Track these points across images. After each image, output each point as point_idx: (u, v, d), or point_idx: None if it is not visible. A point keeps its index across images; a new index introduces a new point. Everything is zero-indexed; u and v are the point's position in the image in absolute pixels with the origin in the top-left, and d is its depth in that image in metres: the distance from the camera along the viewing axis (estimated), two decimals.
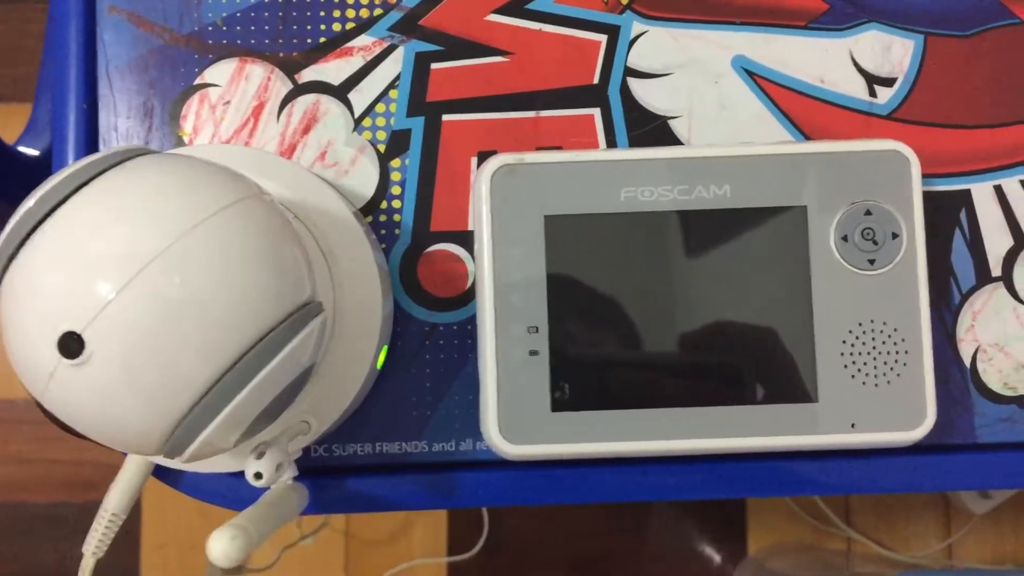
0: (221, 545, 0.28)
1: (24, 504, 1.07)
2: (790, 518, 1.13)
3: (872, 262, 0.37)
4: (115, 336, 0.27)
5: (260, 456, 0.32)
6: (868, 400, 0.37)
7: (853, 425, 0.37)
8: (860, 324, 0.37)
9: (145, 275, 0.27)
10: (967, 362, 0.41)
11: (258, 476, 0.31)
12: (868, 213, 0.38)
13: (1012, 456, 0.41)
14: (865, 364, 0.37)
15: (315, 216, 0.37)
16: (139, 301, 0.27)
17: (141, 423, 0.28)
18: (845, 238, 0.37)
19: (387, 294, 0.39)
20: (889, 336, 0.37)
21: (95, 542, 0.37)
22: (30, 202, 0.28)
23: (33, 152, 0.68)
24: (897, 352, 0.37)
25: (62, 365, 0.27)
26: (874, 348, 0.37)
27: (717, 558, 1.14)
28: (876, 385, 0.37)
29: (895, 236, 0.38)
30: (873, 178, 0.38)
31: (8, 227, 0.29)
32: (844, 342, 0.37)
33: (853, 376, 0.37)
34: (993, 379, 0.41)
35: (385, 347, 0.39)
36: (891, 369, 0.37)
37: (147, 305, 0.27)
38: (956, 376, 0.41)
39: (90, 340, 0.27)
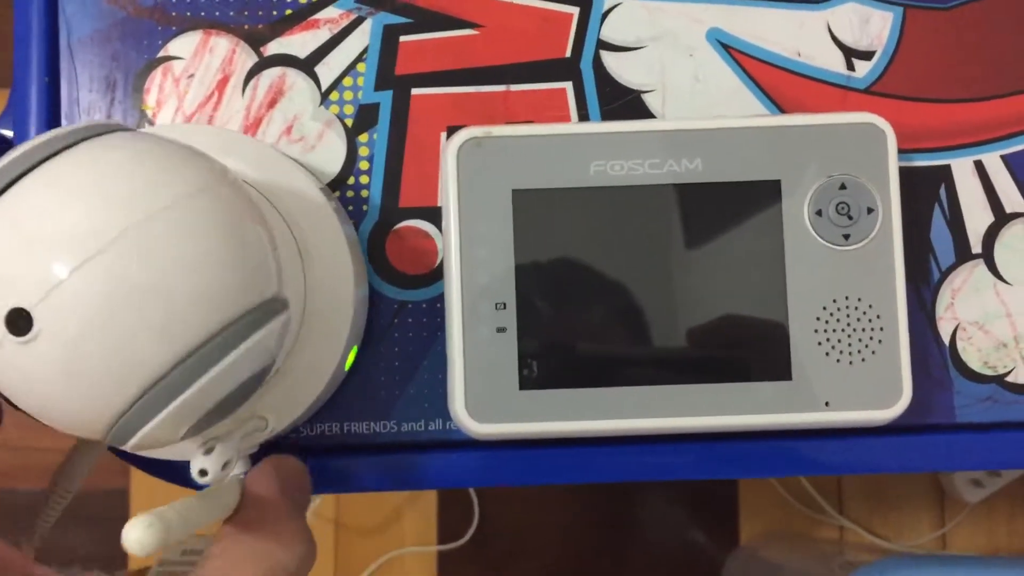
0: (136, 533, 0.27)
1: (12, 491, 1.06)
2: (782, 507, 1.12)
3: (847, 237, 0.37)
4: (65, 317, 0.26)
5: (208, 452, 0.31)
6: (842, 378, 0.37)
7: (827, 403, 0.37)
8: (835, 301, 0.37)
9: (101, 258, 0.26)
10: (946, 341, 0.40)
11: (203, 473, 0.30)
12: (843, 187, 0.37)
13: (992, 436, 0.40)
14: (840, 342, 0.37)
15: (287, 200, 0.36)
16: (93, 284, 0.26)
17: (85, 409, 0.27)
18: (819, 213, 0.37)
19: (360, 283, 0.38)
20: (864, 313, 0.37)
21: (44, 519, 0.37)
22: None
23: (9, 133, 0.68)
24: (872, 329, 0.37)
25: (8, 341, 0.26)
26: (848, 325, 0.37)
27: (709, 547, 1.14)
28: (851, 363, 0.37)
29: (870, 211, 0.37)
30: (848, 152, 0.37)
31: None
32: (818, 319, 0.37)
33: (827, 353, 0.37)
34: (973, 358, 0.40)
35: (355, 348, 0.38)
36: (866, 347, 0.37)
37: (101, 289, 0.26)
38: (935, 355, 0.40)
39: (39, 319, 0.26)
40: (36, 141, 0.28)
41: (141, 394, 0.27)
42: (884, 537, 1.12)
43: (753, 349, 0.36)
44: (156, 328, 0.27)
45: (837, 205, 0.36)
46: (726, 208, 0.37)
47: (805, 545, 1.11)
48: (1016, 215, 0.40)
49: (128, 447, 0.28)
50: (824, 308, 0.36)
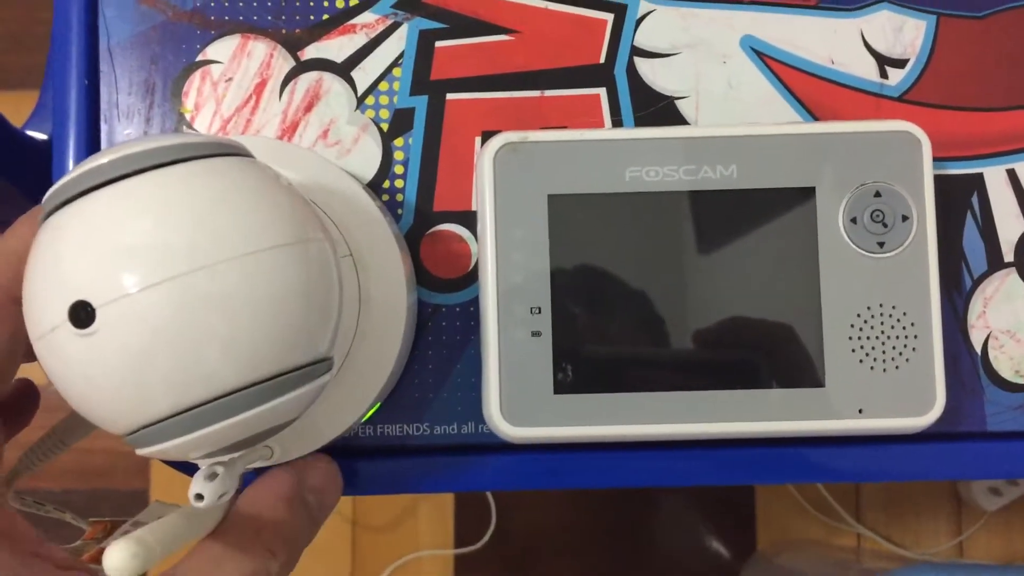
0: (120, 560, 0.27)
1: (34, 491, 1.07)
2: (799, 514, 1.12)
3: (882, 245, 0.37)
4: (125, 326, 0.26)
5: (210, 478, 0.30)
6: (876, 385, 0.37)
7: (861, 411, 0.37)
8: (869, 308, 0.37)
9: (179, 282, 0.26)
10: (978, 349, 0.40)
11: (199, 497, 0.30)
12: (878, 195, 0.37)
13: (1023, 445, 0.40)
14: (873, 349, 0.37)
15: (338, 208, 0.37)
16: (161, 305, 0.26)
17: (116, 412, 0.28)
18: (854, 220, 0.37)
19: (408, 338, 0.38)
20: (898, 320, 0.37)
21: (34, 456, 0.36)
22: (103, 159, 0.28)
23: (42, 136, 0.68)
24: (906, 337, 0.37)
25: (65, 327, 0.27)
26: (883, 332, 0.37)
27: (726, 553, 1.14)
28: (884, 370, 0.37)
29: (905, 219, 0.37)
30: (883, 159, 0.37)
31: (79, 169, 0.28)
32: (852, 326, 0.37)
33: (861, 361, 0.37)
34: (1004, 366, 0.40)
35: (378, 404, 0.39)
36: (900, 354, 0.37)
37: (168, 312, 0.26)
38: (967, 363, 0.40)
39: (101, 318, 0.26)
40: (165, 141, 0.28)
41: (171, 415, 0.27)
42: (901, 545, 1.12)
43: (787, 355, 0.37)
44: (206, 365, 0.27)
45: (872, 213, 0.36)
46: (761, 215, 0.37)
47: (822, 552, 1.11)
48: None
49: (139, 452, 0.29)
50: (858, 315, 0.37)
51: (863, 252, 0.37)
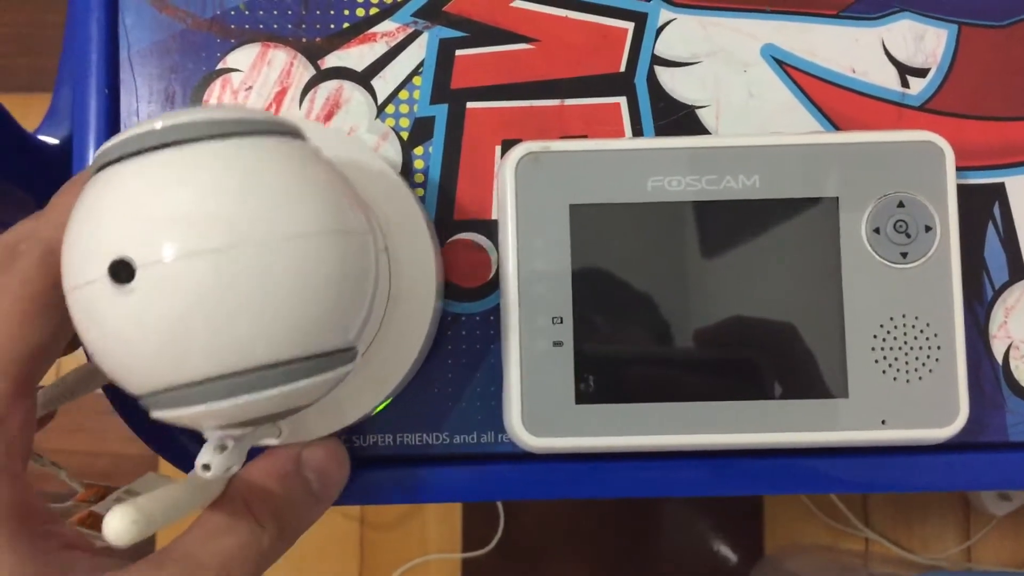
0: (121, 525, 0.27)
1: (40, 494, 1.07)
2: (807, 518, 1.12)
3: (904, 255, 0.37)
4: (163, 290, 0.26)
5: (220, 450, 0.30)
6: (899, 396, 0.37)
7: (883, 422, 0.37)
8: (891, 319, 0.37)
9: (221, 255, 0.26)
10: (999, 359, 0.40)
11: (206, 468, 0.30)
12: (901, 205, 0.37)
13: None
14: (896, 360, 0.37)
15: (371, 190, 0.37)
16: (202, 276, 0.26)
17: (140, 373, 0.28)
18: (877, 230, 0.37)
19: (430, 338, 0.38)
20: (921, 331, 0.37)
21: (41, 400, 0.36)
22: (157, 123, 0.28)
23: (53, 140, 0.68)
24: (929, 348, 0.37)
25: (103, 281, 0.27)
26: (906, 343, 0.37)
27: (733, 558, 1.14)
28: (907, 381, 0.37)
29: (928, 229, 0.37)
30: (906, 169, 0.37)
31: (134, 130, 0.28)
32: (875, 336, 0.37)
33: (884, 372, 0.37)
34: None
35: (389, 400, 0.39)
36: (923, 365, 0.37)
37: (206, 283, 0.26)
38: (988, 373, 0.40)
39: (140, 279, 0.26)
40: (222, 114, 0.28)
41: (195, 383, 0.27)
42: (909, 549, 1.12)
43: (810, 366, 0.36)
44: (236, 339, 0.27)
45: (895, 223, 0.36)
46: (783, 225, 0.37)
47: (830, 557, 1.10)
48: None
49: (154, 415, 0.29)
50: (881, 326, 0.36)
51: (886, 262, 0.37)
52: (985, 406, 0.40)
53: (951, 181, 0.37)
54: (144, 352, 0.27)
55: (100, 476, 1.08)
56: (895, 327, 0.36)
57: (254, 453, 0.39)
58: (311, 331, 0.28)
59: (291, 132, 0.30)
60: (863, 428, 0.37)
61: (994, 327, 0.40)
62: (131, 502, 0.28)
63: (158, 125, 0.28)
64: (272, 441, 0.36)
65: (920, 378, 0.36)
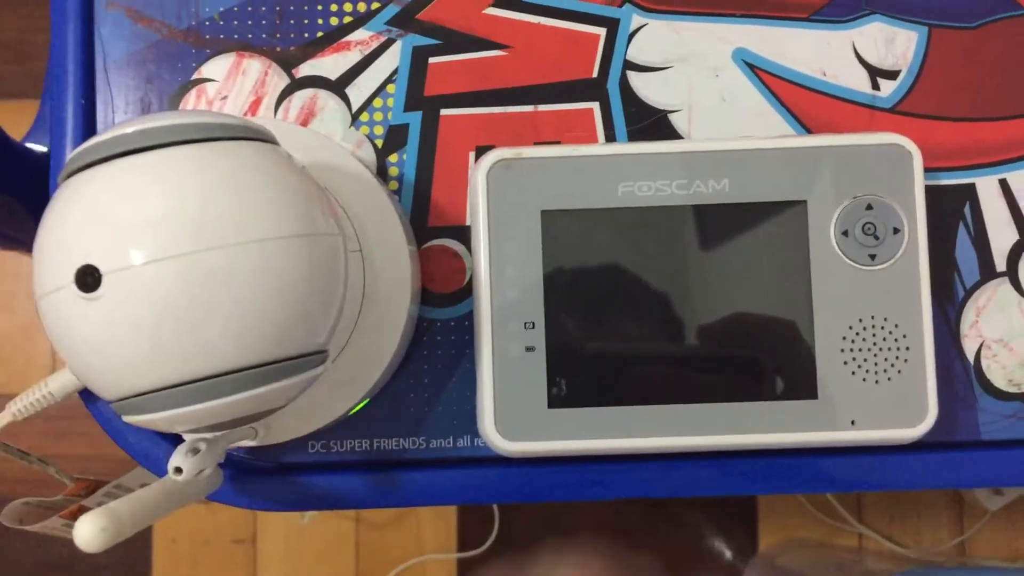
0: (90, 532, 0.27)
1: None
2: (801, 515, 1.12)
3: (873, 257, 0.37)
4: (129, 296, 0.27)
5: (192, 453, 0.31)
6: (868, 397, 0.37)
7: (853, 422, 0.37)
8: (860, 320, 0.37)
9: (185, 260, 0.27)
10: (971, 358, 0.40)
11: (178, 471, 0.30)
12: (869, 208, 0.37)
13: (1018, 453, 0.40)
14: (866, 360, 0.37)
15: (345, 190, 0.37)
16: (168, 281, 0.27)
17: (106, 375, 0.28)
18: (846, 233, 0.37)
19: (405, 338, 0.38)
20: (890, 332, 0.37)
21: (22, 404, 0.36)
22: (128, 128, 0.28)
23: (41, 148, 0.68)
24: (898, 348, 0.37)
25: (70, 289, 0.27)
26: (875, 345, 0.37)
27: (728, 554, 1.14)
28: (877, 382, 0.37)
29: (896, 231, 0.37)
30: (875, 172, 0.37)
31: (104, 135, 0.28)
32: (844, 338, 0.37)
33: (853, 373, 0.37)
34: (997, 376, 0.40)
35: (366, 400, 0.39)
36: (892, 366, 0.37)
37: (171, 289, 0.27)
38: (960, 373, 0.40)
39: (106, 286, 0.27)
40: (192, 119, 0.29)
41: (165, 388, 0.28)
42: (903, 544, 1.12)
43: (779, 368, 0.37)
44: (203, 344, 0.27)
45: (863, 225, 0.37)
46: (753, 228, 0.37)
47: (824, 553, 1.11)
48: None
49: (126, 420, 0.29)
50: (850, 328, 0.37)
51: (855, 265, 0.37)
52: (958, 406, 0.40)
53: (919, 183, 0.37)
54: (113, 358, 0.28)
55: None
56: (864, 328, 0.37)
57: (232, 454, 0.39)
58: (280, 335, 0.29)
59: (262, 137, 0.30)
60: (833, 428, 0.37)
61: (965, 327, 0.40)
62: (102, 509, 0.28)
63: (129, 130, 0.28)
64: (248, 442, 0.36)
65: (889, 379, 0.37)
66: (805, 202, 0.37)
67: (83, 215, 0.28)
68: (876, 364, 0.37)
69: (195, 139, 0.28)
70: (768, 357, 0.37)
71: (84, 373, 0.29)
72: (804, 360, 0.37)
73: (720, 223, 0.37)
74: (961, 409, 0.40)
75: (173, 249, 0.27)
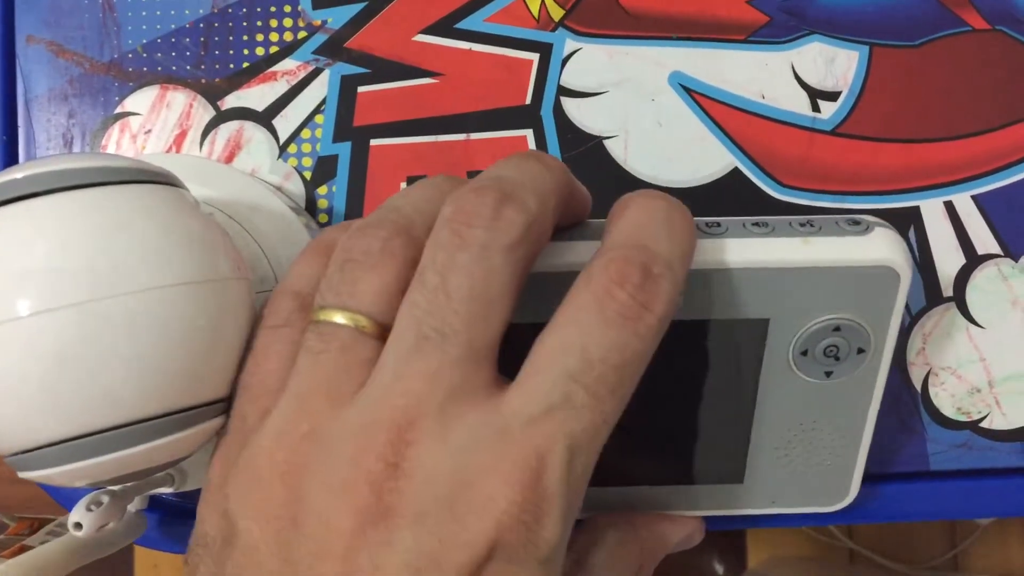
0: None
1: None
2: (791, 531, 1.11)
3: (829, 374, 0.33)
4: (11, 350, 0.26)
5: (94, 507, 0.30)
6: (792, 482, 0.35)
7: (774, 502, 0.36)
8: (801, 424, 0.34)
9: (77, 310, 0.26)
10: (918, 387, 0.39)
11: (77, 527, 0.29)
12: (837, 329, 0.32)
13: (967, 484, 0.39)
14: (799, 456, 0.35)
15: (263, 226, 0.36)
16: (62, 332, 0.26)
17: None
18: (805, 353, 0.33)
19: None
20: (829, 434, 0.34)
21: None
22: (17, 174, 0.27)
23: None
24: (835, 445, 0.35)
25: None
26: (812, 444, 0.35)
27: (719, 570, 1.13)
28: (804, 472, 0.35)
29: (861, 351, 0.33)
30: (852, 292, 0.32)
31: None
32: (782, 438, 0.35)
33: (784, 466, 0.35)
34: (946, 404, 0.39)
35: None
36: (824, 460, 0.35)
37: (67, 338, 0.26)
38: (906, 402, 0.39)
39: None
40: (82, 163, 0.28)
41: (57, 443, 0.27)
42: (894, 560, 1.10)
43: (711, 458, 0.35)
44: (100, 395, 0.26)
45: (826, 348, 0.33)
46: (704, 342, 0.33)
47: (814, 569, 1.09)
48: (988, 257, 0.39)
49: (21, 476, 0.28)
50: (789, 430, 0.34)
51: (807, 379, 0.33)
52: (904, 436, 0.39)
53: (900, 307, 0.32)
54: (3, 413, 0.27)
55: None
56: (803, 431, 0.34)
57: (160, 497, 0.38)
58: (178, 385, 0.28)
59: (159, 179, 0.30)
60: (752, 508, 0.36)
61: (912, 354, 0.39)
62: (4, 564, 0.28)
63: (19, 175, 0.27)
64: (166, 489, 0.35)
65: (818, 469, 0.35)
66: (767, 320, 0.32)
67: None
68: (809, 458, 0.35)
69: (87, 184, 0.27)
70: (704, 449, 0.35)
71: None
72: (737, 452, 0.35)
73: (673, 334, 0.30)
74: (908, 440, 0.39)
75: (63, 299, 0.26)
